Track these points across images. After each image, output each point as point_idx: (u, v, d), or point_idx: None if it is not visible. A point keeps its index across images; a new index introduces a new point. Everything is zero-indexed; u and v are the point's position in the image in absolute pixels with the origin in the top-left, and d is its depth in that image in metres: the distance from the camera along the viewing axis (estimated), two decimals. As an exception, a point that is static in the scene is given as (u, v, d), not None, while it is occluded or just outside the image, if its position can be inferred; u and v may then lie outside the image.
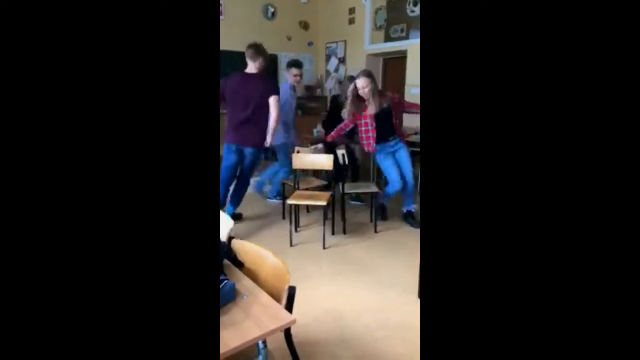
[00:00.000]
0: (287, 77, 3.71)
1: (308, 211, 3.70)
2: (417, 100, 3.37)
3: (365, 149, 3.25)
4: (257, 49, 3.03)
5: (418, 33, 4.95)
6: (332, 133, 3.33)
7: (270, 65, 5.95)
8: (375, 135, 3.13)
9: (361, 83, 3.03)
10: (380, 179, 3.51)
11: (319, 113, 5.71)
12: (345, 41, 5.99)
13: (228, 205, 3.25)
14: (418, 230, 3.09)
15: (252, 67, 3.05)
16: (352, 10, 5.79)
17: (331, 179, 3.45)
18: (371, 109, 3.07)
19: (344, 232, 3.17)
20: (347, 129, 3.27)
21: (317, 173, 3.88)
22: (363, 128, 3.16)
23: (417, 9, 4.88)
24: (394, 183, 3.18)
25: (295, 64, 3.66)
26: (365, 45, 5.63)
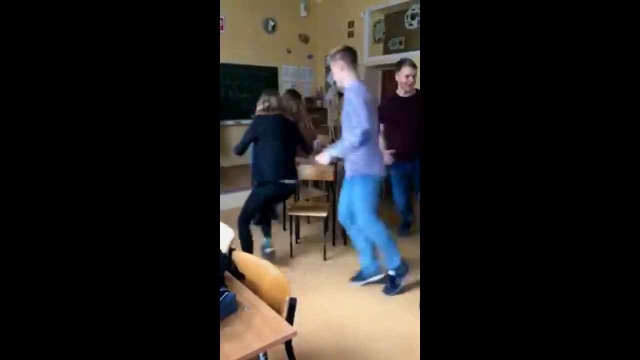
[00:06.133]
0: None
1: (309, 222, 3.70)
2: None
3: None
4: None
5: (416, 45, 5.01)
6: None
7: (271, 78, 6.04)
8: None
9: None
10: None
11: (319, 125, 5.73)
12: (344, 54, 6.05)
13: None
14: (415, 241, 3.08)
15: None
16: (351, 24, 5.87)
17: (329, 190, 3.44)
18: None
19: (345, 244, 3.17)
20: None
21: (317, 184, 3.89)
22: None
23: (415, 22, 4.95)
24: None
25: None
26: (364, 57, 5.69)
